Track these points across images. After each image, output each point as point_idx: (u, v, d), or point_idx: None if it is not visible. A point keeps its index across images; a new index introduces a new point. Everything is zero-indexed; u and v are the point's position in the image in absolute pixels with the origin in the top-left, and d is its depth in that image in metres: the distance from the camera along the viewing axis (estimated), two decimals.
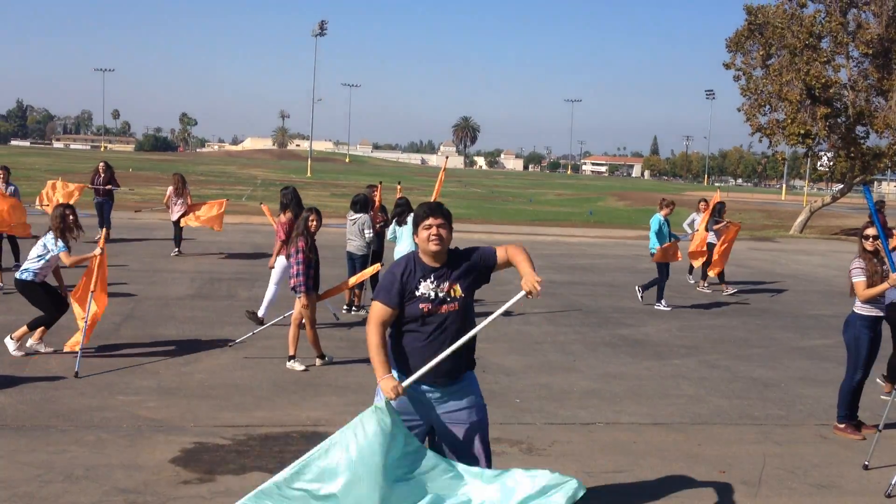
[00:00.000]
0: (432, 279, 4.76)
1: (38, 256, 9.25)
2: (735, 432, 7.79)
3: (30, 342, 9.26)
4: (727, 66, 34.89)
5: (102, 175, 19.43)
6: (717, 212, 17.16)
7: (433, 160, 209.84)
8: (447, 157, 14.93)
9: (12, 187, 15.26)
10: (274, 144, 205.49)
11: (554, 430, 7.52)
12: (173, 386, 8.27)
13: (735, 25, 55.77)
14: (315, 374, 9.00)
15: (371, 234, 12.49)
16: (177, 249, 18.23)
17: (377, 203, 13.59)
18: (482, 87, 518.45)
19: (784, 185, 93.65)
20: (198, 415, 7.40)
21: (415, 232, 4.85)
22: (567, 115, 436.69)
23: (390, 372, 4.68)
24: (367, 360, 9.46)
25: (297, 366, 9.22)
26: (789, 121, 32.15)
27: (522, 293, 4.69)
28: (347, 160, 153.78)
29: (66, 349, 9.14)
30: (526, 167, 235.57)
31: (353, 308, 12.66)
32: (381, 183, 14.51)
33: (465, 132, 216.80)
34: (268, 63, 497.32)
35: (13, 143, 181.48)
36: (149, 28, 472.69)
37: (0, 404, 7.35)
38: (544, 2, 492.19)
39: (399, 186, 14.15)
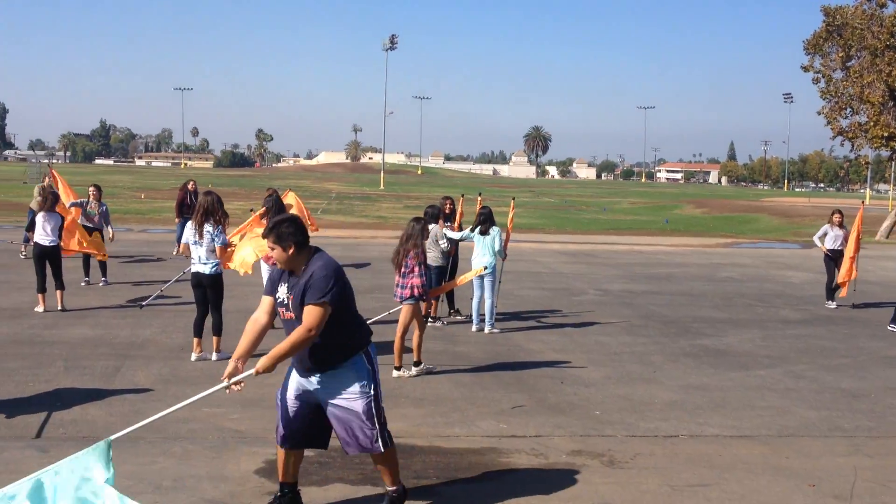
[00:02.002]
0: (287, 284, 5.32)
1: (212, 251, 9.88)
2: (824, 445, 7.57)
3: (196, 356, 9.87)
4: (805, 69, 34.15)
5: (192, 193, 19.79)
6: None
7: (505, 170, 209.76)
8: (479, 195, 14.96)
9: (104, 206, 15.76)
10: (347, 158, 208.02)
11: (636, 443, 7.42)
12: (256, 398, 8.40)
13: (812, 27, 54.57)
14: (394, 385, 9.05)
15: (446, 244, 12.53)
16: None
17: (457, 215, 13.73)
18: (554, 97, 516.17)
19: (868, 190, 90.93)
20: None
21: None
22: (640, 123, 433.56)
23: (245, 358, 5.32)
24: (443, 373, 9.50)
25: (406, 372, 9.51)
26: (872, 123, 31.30)
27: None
28: (419, 172, 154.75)
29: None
30: (599, 176, 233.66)
31: (429, 319, 12.69)
32: (463, 196, 14.61)
33: (537, 142, 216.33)
34: (340, 78, 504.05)
35: (97, 161, 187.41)
36: (225, 47, 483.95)
37: (91, 416, 7.57)
38: (615, 10, 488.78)
39: (479, 198, 14.20)
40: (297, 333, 5.11)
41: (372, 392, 5.34)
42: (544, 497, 6.02)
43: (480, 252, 12.31)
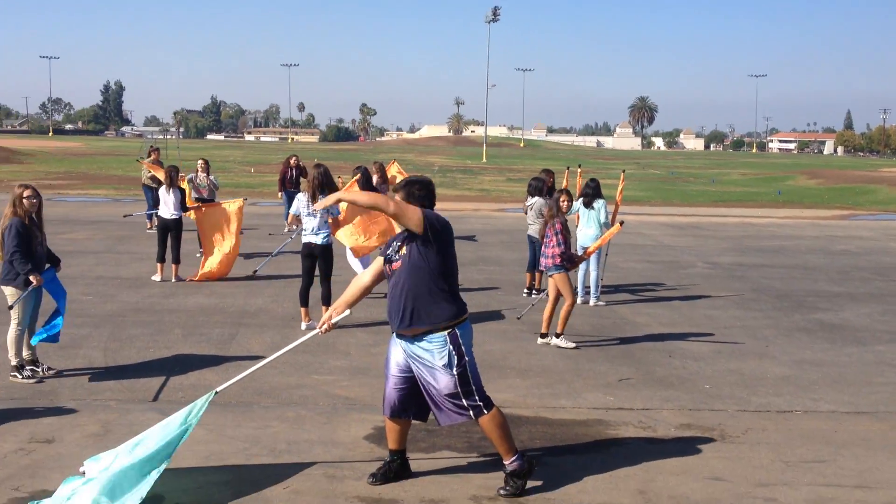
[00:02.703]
0: (398, 242, 5.48)
1: (325, 222, 10.20)
2: None
3: (305, 325, 10.18)
4: None
5: (294, 168, 20.19)
6: None
7: (609, 142, 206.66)
8: (580, 167, 14.51)
9: (211, 179, 16.25)
10: (450, 131, 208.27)
11: (747, 418, 7.26)
12: (364, 366, 8.57)
13: None
14: (499, 356, 9.09)
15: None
16: None
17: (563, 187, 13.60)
18: (660, 66, 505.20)
19: None
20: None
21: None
22: (751, 91, 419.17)
23: (342, 307, 5.66)
24: (553, 349, 9.47)
25: (563, 342, 9.53)
26: None
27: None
28: (522, 144, 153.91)
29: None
30: (707, 146, 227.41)
31: (534, 291, 12.66)
32: (568, 168, 14.50)
33: (642, 112, 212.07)
34: (442, 52, 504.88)
35: (209, 136, 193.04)
36: (330, 23, 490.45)
37: (208, 381, 7.86)
38: None
39: (580, 170, 14.04)
40: (387, 199, 5.32)
41: (456, 371, 5.34)
42: (654, 470, 5.96)
43: (585, 224, 12.19)
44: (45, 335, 8.00)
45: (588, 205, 12.13)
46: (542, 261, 9.70)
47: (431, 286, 5.34)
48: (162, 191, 13.44)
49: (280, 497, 5.38)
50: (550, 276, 9.62)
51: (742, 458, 6.27)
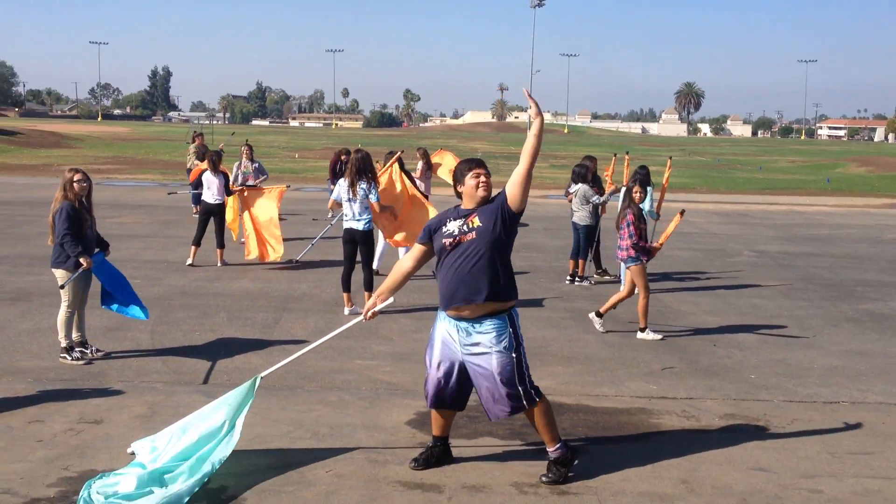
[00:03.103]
0: (461, 219, 5.45)
1: (365, 207, 10.15)
2: None
3: (348, 310, 10.22)
4: None
5: (345, 163, 20.24)
6: None
7: (654, 129, 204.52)
8: (627, 153, 14.13)
9: (256, 164, 16.39)
10: (493, 117, 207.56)
11: (793, 408, 7.17)
12: (407, 352, 8.61)
13: None
14: (541, 343, 9.07)
15: (598, 199, 12.38)
16: None
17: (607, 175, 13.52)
18: (707, 51, 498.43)
19: None
20: None
21: (461, 182, 5.50)
22: (800, 77, 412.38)
23: (386, 294, 5.67)
24: (591, 332, 9.45)
25: (649, 335, 9.38)
26: None
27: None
28: (566, 131, 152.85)
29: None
30: (755, 133, 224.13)
31: (577, 279, 12.60)
32: (615, 155, 14.37)
33: (689, 98, 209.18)
34: (486, 37, 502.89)
35: (254, 122, 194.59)
36: (374, 9, 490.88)
37: (253, 364, 7.95)
38: None
39: (627, 157, 13.90)
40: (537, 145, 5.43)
41: (514, 354, 5.35)
42: (697, 459, 5.92)
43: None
44: (127, 312, 8.17)
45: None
46: (618, 253, 9.58)
47: (508, 263, 5.44)
48: (206, 175, 13.56)
49: (323, 480, 5.43)
50: (627, 268, 9.57)
51: (787, 448, 6.20)
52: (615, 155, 14.79)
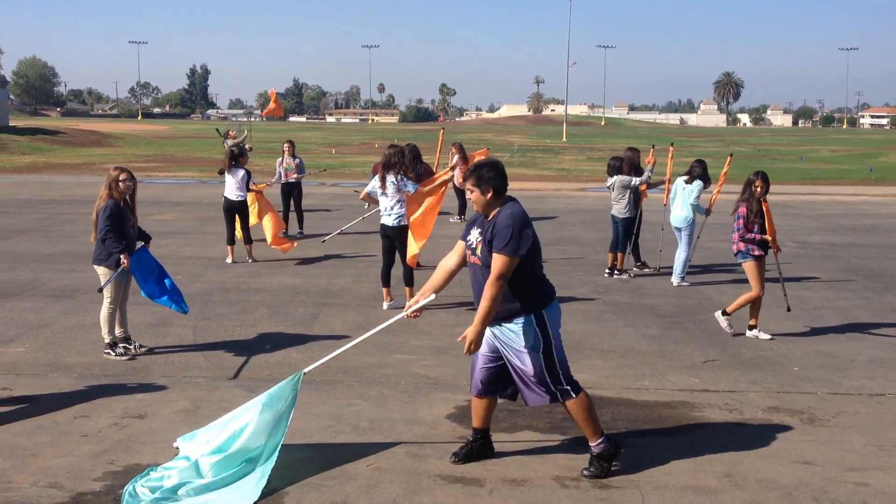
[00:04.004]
0: (477, 229, 5.44)
1: (399, 201, 10.12)
2: None
3: (387, 304, 10.19)
4: None
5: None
6: None
7: (692, 119, 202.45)
8: (672, 145, 13.82)
9: (298, 160, 16.48)
10: (529, 110, 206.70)
11: (838, 401, 7.06)
12: (446, 346, 8.60)
13: None
14: (580, 336, 9.02)
15: (636, 180, 12.26)
16: (459, 216, 18.78)
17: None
18: (746, 40, 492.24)
19: None
20: (469, 374, 7.64)
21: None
22: (842, 65, 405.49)
23: (429, 292, 5.69)
24: (631, 325, 9.38)
25: (761, 334, 9.05)
26: None
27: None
28: (603, 123, 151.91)
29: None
30: (795, 123, 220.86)
31: (616, 272, 12.52)
32: (653, 147, 14.23)
33: (728, 88, 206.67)
34: (522, 30, 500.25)
35: (291, 119, 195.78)
36: (410, 4, 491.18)
37: (293, 359, 8.00)
38: None
39: (671, 148, 13.77)
40: (489, 287, 5.19)
41: (541, 353, 5.32)
42: (740, 453, 5.85)
43: (681, 204, 11.95)
44: (167, 303, 8.29)
45: (689, 182, 11.93)
46: (733, 246, 9.23)
47: (522, 277, 5.31)
48: (228, 172, 13.38)
49: (364, 474, 5.45)
50: (739, 263, 9.28)
51: (832, 441, 6.11)
52: (653, 146, 14.65)
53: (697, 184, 11.90)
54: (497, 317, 5.33)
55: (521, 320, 5.32)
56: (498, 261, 5.17)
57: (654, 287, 11.81)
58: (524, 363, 5.34)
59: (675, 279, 11.93)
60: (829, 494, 5.24)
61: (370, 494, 5.16)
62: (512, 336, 5.34)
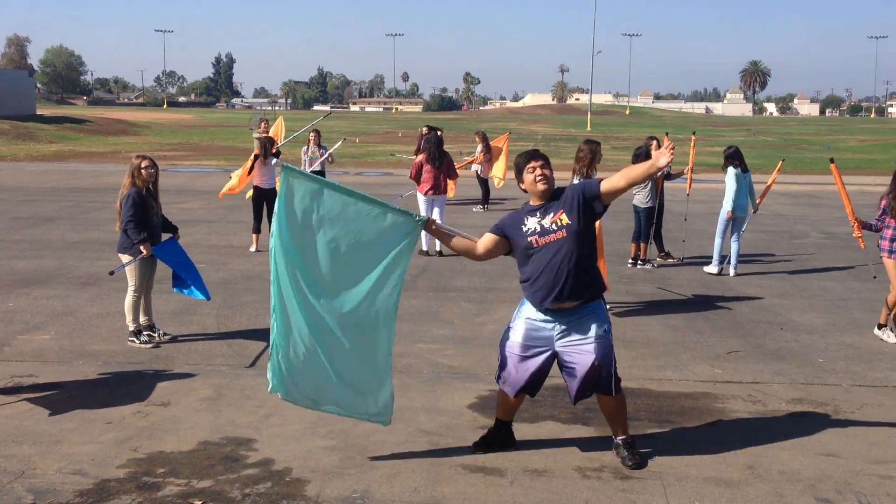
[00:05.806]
0: (538, 215, 5.34)
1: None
2: None
3: None
4: None
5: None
6: None
7: (718, 108, 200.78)
8: (694, 134, 13.57)
9: (324, 149, 16.53)
10: (553, 99, 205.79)
11: (863, 393, 7.00)
12: (468, 336, 8.61)
13: None
14: None
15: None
16: (482, 206, 18.79)
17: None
18: (773, 28, 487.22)
19: None
20: (491, 364, 7.60)
21: (520, 178, 5.47)
22: (870, 54, 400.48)
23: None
24: (653, 315, 9.32)
25: (887, 336, 8.64)
26: None
27: None
28: (627, 112, 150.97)
29: None
30: (822, 112, 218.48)
31: (640, 262, 12.46)
32: (667, 134, 14.12)
33: (754, 77, 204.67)
34: (547, 18, 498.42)
35: (315, 108, 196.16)
36: None
37: None
38: None
39: (694, 137, 13.67)
40: (623, 173, 5.38)
41: (610, 337, 5.39)
42: (764, 444, 5.81)
43: (744, 193, 11.79)
44: (190, 292, 8.34)
45: (746, 169, 11.82)
46: (880, 243, 8.90)
47: (593, 254, 5.41)
48: (258, 162, 13.35)
49: (385, 463, 5.47)
50: (881, 258, 8.91)
51: (857, 434, 6.06)
52: (667, 133, 14.52)
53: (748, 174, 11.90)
54: (583, 294, 5.28)
55: (597, 306, 5.39)
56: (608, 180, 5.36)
57: (678, 277, 11.74)
58: (591, 351, 5.28)
59: (731, 270, 11.79)
60: (852, 487, 5.19)
61: (391, 483, 5.18)
62: (586, 324, 5.32)
